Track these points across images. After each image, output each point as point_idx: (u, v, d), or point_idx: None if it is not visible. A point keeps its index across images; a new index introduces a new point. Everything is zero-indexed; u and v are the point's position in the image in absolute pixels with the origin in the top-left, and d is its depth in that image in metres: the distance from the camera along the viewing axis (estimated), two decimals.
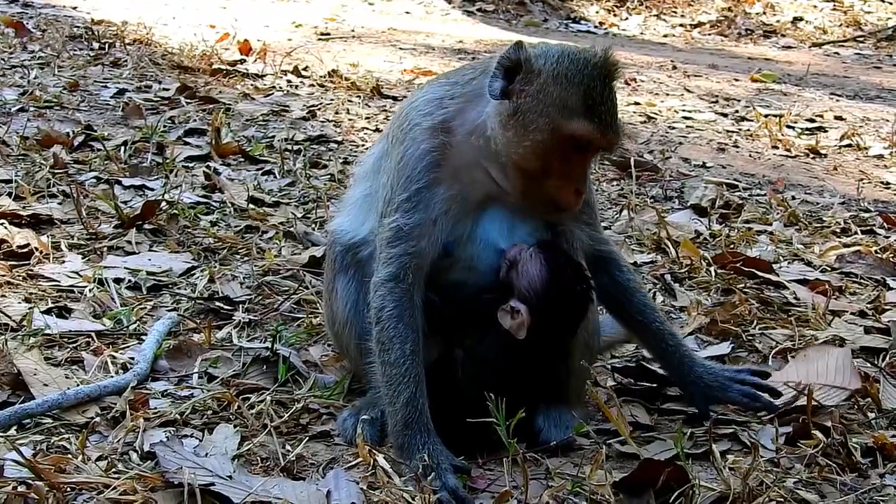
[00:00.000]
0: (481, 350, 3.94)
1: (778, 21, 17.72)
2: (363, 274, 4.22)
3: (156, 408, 4.13)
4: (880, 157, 8.98)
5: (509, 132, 3.84)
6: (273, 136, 8.18)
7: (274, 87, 10.00)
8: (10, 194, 6.35)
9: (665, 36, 16.91)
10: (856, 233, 6.74)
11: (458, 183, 3.96)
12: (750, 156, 8.83)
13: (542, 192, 3.92)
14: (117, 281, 5.30)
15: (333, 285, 4.32)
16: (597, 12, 17.94)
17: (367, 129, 8.71)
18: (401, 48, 12.94)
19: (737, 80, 12.38)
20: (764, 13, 18.04)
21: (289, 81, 10.27)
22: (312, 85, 10.23)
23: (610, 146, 3.97)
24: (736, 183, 7.89)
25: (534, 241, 4.02)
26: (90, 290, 5.16)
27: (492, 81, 3.88)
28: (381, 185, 4.10)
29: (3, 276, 5.22)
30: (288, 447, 3.91)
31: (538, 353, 3.95)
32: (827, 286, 5.59)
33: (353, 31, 14.09)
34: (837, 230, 6.81)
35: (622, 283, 4.32)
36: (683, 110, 10.42)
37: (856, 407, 4.33)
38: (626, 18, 17.75)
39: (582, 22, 17.43)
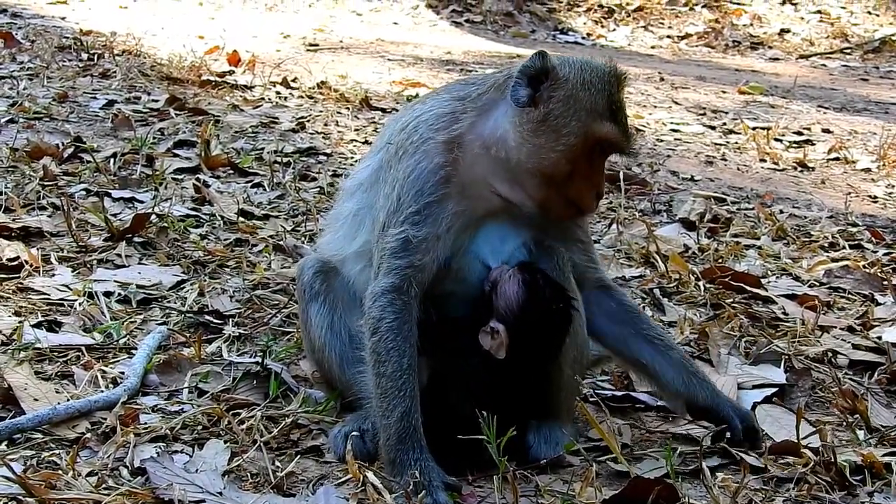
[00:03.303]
0: (468, 368, 3.94)
1: (765, 33, 17.78)
2: (335, 296, 4.27)
3: (146, 423, 4.11)
4: (868, 170, 9.01)
5: (540, 138, 3.90)
6: (262, 149, 8.18)
7: (263, 98, 10.00)
8: None
9: (653, 47, 16.96)
10: (844, 247, 6.76)
11: (465, 199, 3.98)
12: (738, 169, 8.86)
13: (563, 197, 3.97)
14: (107, 294, 5.29)
15: (307, 314, 4.32)
16: (584, 23, 17.97)
17: (357, 141, 8.71)
18: (389, 59, 12.95)
19: (724, 92, 12.42)
20: (751, 25, 18.10)
21: (278, 93, 10.28)
22: (301, 96, 10.24)
23: (629, 148, 4.09)
24: (724, 196, 7.92)
25: (516, 262, 4.03)
26: (80, 304, 5.15)
27: (516, 90, 3.93)
28: (381, 195, 4.08)
29: None
30: (278, 463, 3.90)
31: (523, 370, 3.96)
32: (815, 301, 5.61)
33: (341, 41, 14.10)
34: (825, 244, 6.84)
35: (624, 308, 4.30)
36: (671, 123, 10.46)
37: (845, 424, 4.35)
38: (614, 30, 17.78)
39: (570, 33, 17.46)
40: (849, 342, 5.18)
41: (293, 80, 10.74)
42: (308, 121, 9.20)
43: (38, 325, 4.91)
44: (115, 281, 5.46)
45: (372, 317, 3.91)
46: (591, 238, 4.47)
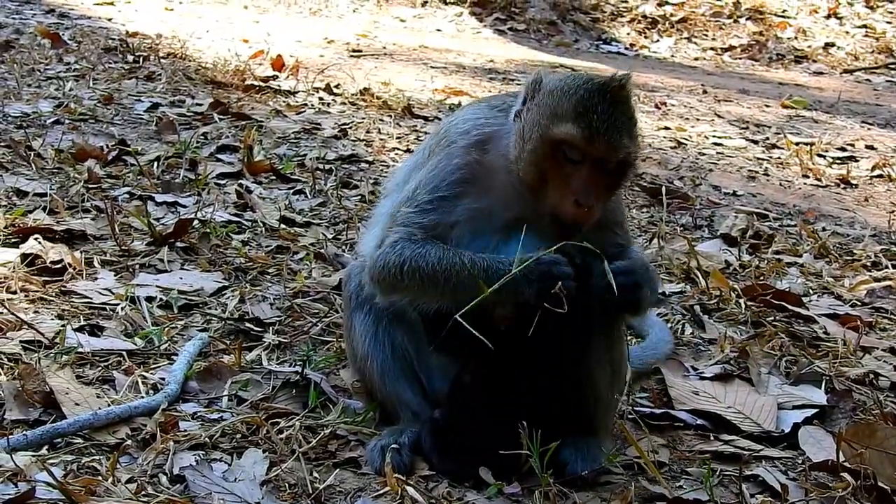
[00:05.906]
0: (487, 372, 3.93)
1: (809, 46, 17.67)
2: (380, 305, 4.24)
3: (186, 430, 4.13)
4: None
5: (517, 148, 3.89)
6: (305, 155, 8.20)
7: (306, 104, 10.03)
8: (44, 208, 6.37)
9: (696, 59, 16.90)
10: (886, 267, 6.71)
11: (487, 199, 3.97)
12: (780, 184, 8.81)
13: (548, 207, 3.86)
14: (149, 299, 5.30)
15: (351, 322, 4.33)
16: (627, 34, 17.93)
17: (398, 149, 8.72)
18: (432, 66, 12.97)
19: (767, 105, 12.36)
20: (795, 38, 17.99)
21: (321, 99, 10.30)
22: (344, 103, 10.26)
23: (599, 154, 3.78)
24: (766, 212, 7.88)
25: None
26: (122, 309, 5.17)
27: (516, 108, 3.98)
28: (410, 189, 4.11)
29: (37, 291, 5.25)
30: (316, 474, 3.90)
31: (538, 367, 3.93)
32: (857, 321, 5.57)
33: (384, 48, 14.14)
34: (868, 263, 6.78)
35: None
36: (714, 136, 10.42)
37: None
38: (657, 41, 17.73)
39: (613, 43, 17.43)
40: (891, 364, 5.14)
41: (336, 87, 10.78)
42: (350, 128, 9.22)
43: (80, 329, 4.92)
44: (157, 286, 5.48)
45: (392, 263, 3.94)
46: (629, 231, 4.34)
